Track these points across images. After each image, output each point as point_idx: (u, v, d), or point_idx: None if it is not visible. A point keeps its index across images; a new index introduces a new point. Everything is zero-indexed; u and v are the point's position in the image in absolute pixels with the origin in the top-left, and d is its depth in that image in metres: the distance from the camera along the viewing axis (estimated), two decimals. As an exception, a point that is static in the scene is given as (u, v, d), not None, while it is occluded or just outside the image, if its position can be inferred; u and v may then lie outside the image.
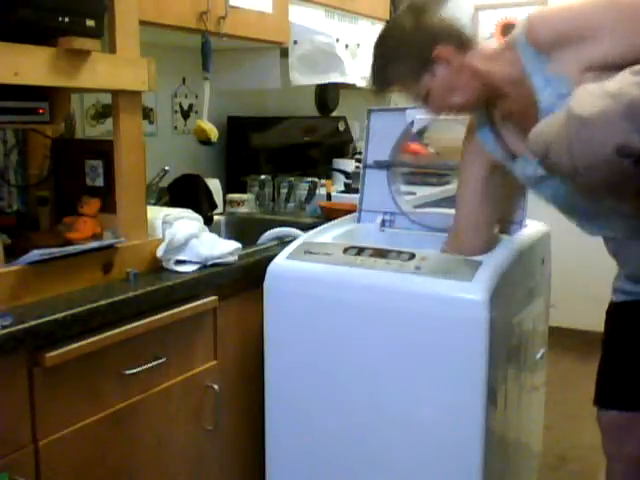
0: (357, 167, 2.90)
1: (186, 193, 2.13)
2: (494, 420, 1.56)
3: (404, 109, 1.95)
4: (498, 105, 1.50)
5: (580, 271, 3.46)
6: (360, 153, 3.38)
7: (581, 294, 3.38)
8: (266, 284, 1.70)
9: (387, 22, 1.60)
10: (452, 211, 1.72)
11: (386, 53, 1.50)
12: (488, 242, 1.64)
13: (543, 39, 1.35)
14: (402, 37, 1.48)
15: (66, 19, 1.34)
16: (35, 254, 1.34)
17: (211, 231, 1.76)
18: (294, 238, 1.89)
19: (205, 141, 2.23)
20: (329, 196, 2.55)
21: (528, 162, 1.45)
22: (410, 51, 1.46)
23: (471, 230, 1.64)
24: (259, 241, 2.06)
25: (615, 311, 1.64)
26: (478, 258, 1.59)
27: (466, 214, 1.65)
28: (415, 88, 1.49)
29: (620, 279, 1.61)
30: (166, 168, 2.11)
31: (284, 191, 2.55)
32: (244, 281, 1.74)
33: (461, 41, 1.46)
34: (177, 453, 1.60)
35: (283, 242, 1.94)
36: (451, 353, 1.51)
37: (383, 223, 1.97)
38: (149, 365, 1.49)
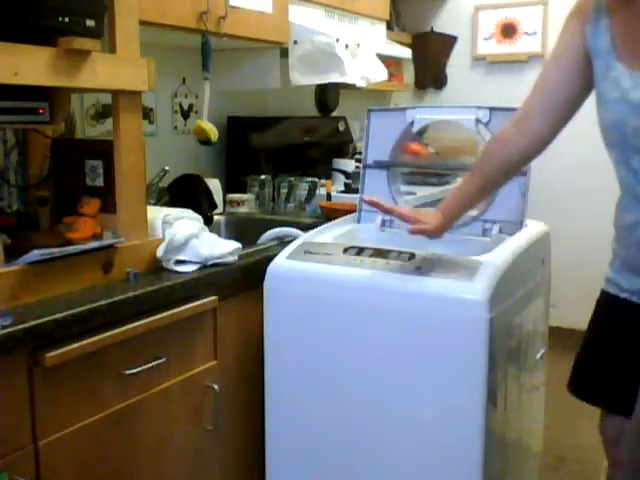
0: (357, 167, 2.90)
1: (186, 193, 2.13)
2: (494, 420, 1.56)
3: (404, 109, 1.95)
4: None
5: (580, 271, 3.46)
6: (360, 153, 3.38)
7: (581, 294, 3.39)
8: (266, 284, 1.70)
9: None
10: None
11: None
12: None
13: None
14: None
15: (66, 19, 1.34)
16: (35, 254, 1.34)
17: (211, 231, 1.76)
18: (294, 238, 1.89)
19: (205, 141, 2.23)
20: (329, 196, 2.55)
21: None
22: None
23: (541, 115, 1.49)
24: (259, 241, 2.06)
25: (605, 302, 1.56)
26: (478, 258, 1.59)
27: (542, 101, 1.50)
28: None
29: (615, 269, 1.51)
30: (166, 168, 2.11)
31: (284, 191, 2.55)
32: (244, 281, 1.74)
33: None
34: (177, 453, 1.60)
35: (283, 242, 1.94)
36: (451, 353, 1.51)
37: (383, 223, 1.97)
38: (149, 365, 1.49)
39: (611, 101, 1.38)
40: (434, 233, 1.56)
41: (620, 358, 1.52)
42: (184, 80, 2.55)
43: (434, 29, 3.96)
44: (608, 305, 1.56)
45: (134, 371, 1.45)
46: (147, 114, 2.38)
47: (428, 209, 1.62)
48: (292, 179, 2.57)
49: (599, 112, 1.44)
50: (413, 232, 1.54)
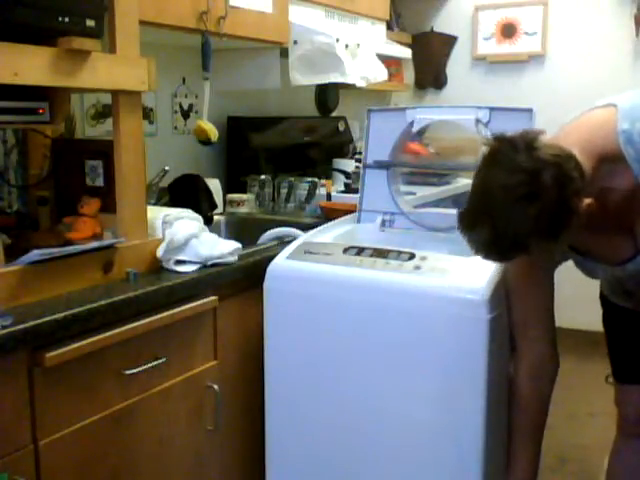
0: (357, 167, 2.90)
1: (186, 193, 2.13)
2: (494, 420, 1.56)
3: (404, 109, 1.95)
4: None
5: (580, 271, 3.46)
6: (360, 153, 3.38)
7: (581, 294, 3.38)
8: (266, 284, 1.70)
9: (498, 170, 1.19)
10: (452, 211, 1.72)
11: (516, 226, 1.18)
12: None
13: None
14: (533, 201, 1.16)
15: (66, 19, 1.34)
16: (35, 254, 1.34)
17: (211, 231, 1.76)
18: (294, 238, 1.89)
19: (205, 141, 2.23)
20: (329, 196, 2.55)
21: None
22: (548, 216, 1.16)
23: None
24: (259, 241, 2.06)
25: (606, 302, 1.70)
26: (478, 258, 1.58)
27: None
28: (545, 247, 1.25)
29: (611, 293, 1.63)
30: (166, 168, 2.11)
31: (284, 191, 2.55)
32: (244, 281, 1.74)
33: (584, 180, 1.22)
34: (177, 453, 1.60)
35: (283, 242, 1.94)
36: (451, 353, 1.51)
37: (383, 223, 1.97)
38: (149, 365, 1.48)
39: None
40: None
41: None
42: (184, 80, 2.55)
43: (434, 29, 3.95)
44: (611, 307, 1.67)
45: (134, 371, 1.45)
46: (147, 114, 2.38)
47: None
48: (292, 179, 2.57)
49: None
50: None
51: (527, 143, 1.19)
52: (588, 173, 1.23)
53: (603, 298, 1.71)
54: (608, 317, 1.73)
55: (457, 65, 3.95)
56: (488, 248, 1.24)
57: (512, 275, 1.51)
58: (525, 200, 1.16)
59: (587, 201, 1.20)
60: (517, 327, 1.53)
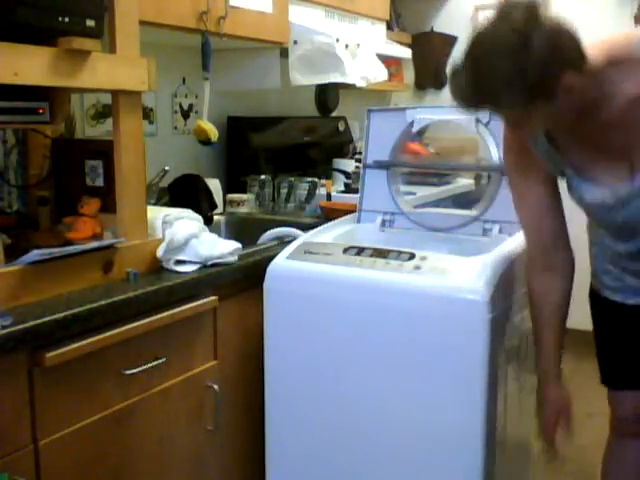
0: (357, 167, 2.90)
1: (186, 193, 2.13)
2: (494, 420, 1.56)
3: (404, 109, 1.95)
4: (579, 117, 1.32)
5: (580, 271, 3.45)
6: (360, 153, 3.38)
7: (581, 294, 3.38)
8: (266, 284, 1.70)
9: (492, 26, 1.20)
10: (453, 211, 1.72)
11: (495, 73, 1.19)
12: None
13: None
14: (518, 55, 1.17)
15: (66, 19, 1.34)
16: (35, 254, 1.34)
17: (211, 231, 1.76)
18: (294, 238, 1.89)
19: (205, 141, 2.23)
20: (329, 196, 2.55)
21: (608, 185, 1.38)
22: (528, 75, 1.17)
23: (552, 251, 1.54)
24: (259, 241, 2.06)
25: (596, 302, 1.68)
26: (478, 258, 1.59)
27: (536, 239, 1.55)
28: (517, 113, 1.26)
29: (604, 276, 1.62)
30: (166, 168, 2.11)
31: (284, 191, 2.55)
32: (244, 281, 1.74)
33: (582, 62, 1.22)
34: (177, 453, 1.60)
35: (283, 242, 1.94)
36: (451, 353, 1.51)
37: (383, 223, 1.97)
38: (149, 365, 1.49)
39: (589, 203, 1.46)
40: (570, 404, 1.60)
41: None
42: (184, 80, 2.55)
43: (434, 29, 3.95)
44: (601, 306, 1.65)
45: (134, 371, 1.45)
46: (147, 114, 2.38)
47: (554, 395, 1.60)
48: (292, 179, 2.57)
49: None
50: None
51: (528, 6, 1.21)
52: (593, 65, 1.24)
53: (593, 297, 1.68)
54: (598, 318, 1.70)
55: (457, 65, 3.95)
56: (466, 92, 1.25)
57: (511, 169, 1.53)
58: (512, 50, 1.17)
59: (577, 79, 1.20)
60: (524, 222, 1.55)
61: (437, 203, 2.78)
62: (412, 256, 1.62)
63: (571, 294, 1.59)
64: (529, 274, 1.57)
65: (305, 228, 2.00)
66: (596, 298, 1.67)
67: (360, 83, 2.76)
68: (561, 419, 1.58)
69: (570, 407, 1.59)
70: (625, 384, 1.65)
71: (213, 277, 1.64)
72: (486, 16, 1.25)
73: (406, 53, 3.47)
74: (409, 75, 4.03)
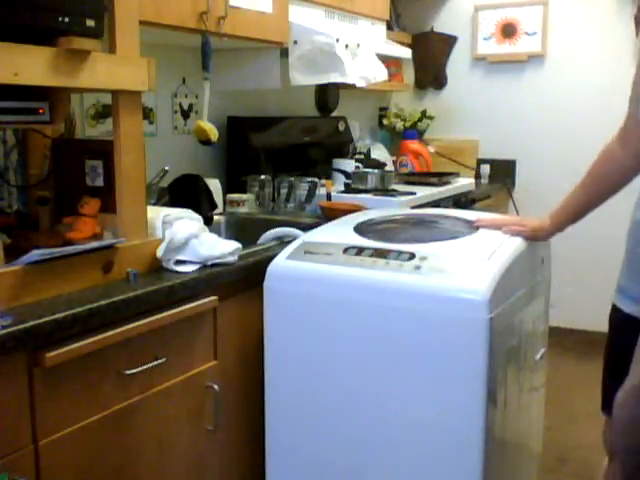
0: (357, 167, 2.90)
1: (186, 193, 2.13)
2: (494, 420, 1.56)
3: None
4: None
5: (580, 271, 3.46)
6: (360, 153, 3.39)
7: (581, 294, 3.38)
8: (266, 284, 1.70)
9: None
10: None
11: None
12: None
13: None
14: None
15: (66, 19, 1.34)
16: (35, 254, 1.34)
17: (211, 231, 1.76)
18: (294, 238, 1.89)
19: (205, 141, 2.23)
20: (329, 196, 2.55)
21: None
22: None
23: None
24: (259, 241, 2.06)
25: (623, 323, 1.58)
26: (478, 258, 1.59)
27: None
28: None
29: (623, 270, 1.56)
30: (166, 168, 2.11)
31: (284, 191, 2.55)
32: (244, 281, 1.74)
33: None
34: (177, 453, 1.60)
35: (283, 242, 1.94)
36: (451, 353, 1.51)
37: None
38: (149, 365, 1.49)
39: None
40: (532, 234, 1.68)
41: None
42: (184, 80, 2.55)
43: (434, 29, 3.95)
44: (621, 329, 1.58)
45: (134, 371, 1.45)
46: (147, 114, 2.38)
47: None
48: (292, 179, 2.57)
49: None
50: (510, 233, 1.69)
51: None
52: None
53: (615, 313, 1.62)
54: (614, 337, 1.63)
55: (457, 65, 3.95)
56: None
57: None
58: None
59: None
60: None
61: (437, 203, 2.79)
62: (412, 256, 1.62)
63: (626, 184, 1.61)
64: (610, 141, 1.61)
65: (305, 228, 2.00)
66: (618, 313, 1.62)
67: (360, 83, 2.76)
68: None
69: (524, 228, 1.72)
70: None
71: (213, 277, 1.64)
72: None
73: (406, 53, 3.48)
74: (409, 75, 4.04)
